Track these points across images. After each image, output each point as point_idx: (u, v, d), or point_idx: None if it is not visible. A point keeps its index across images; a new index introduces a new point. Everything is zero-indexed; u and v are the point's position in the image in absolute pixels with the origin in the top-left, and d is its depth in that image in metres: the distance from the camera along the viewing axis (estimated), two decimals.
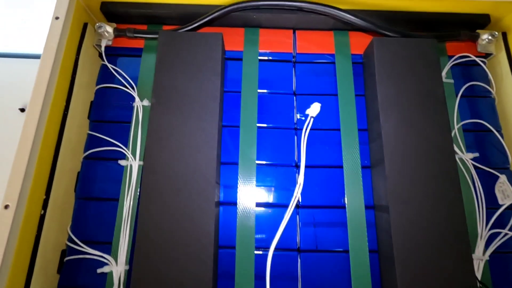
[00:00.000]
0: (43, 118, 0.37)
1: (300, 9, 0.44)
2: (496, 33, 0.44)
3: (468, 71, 0.46)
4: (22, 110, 0.67)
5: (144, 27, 0.47)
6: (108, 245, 0.38)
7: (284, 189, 0.40)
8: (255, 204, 0.39)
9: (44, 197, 0.37)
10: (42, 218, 0.37)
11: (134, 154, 0.41)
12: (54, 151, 0.39)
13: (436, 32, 0.46)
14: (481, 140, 0.43)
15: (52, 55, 0.39)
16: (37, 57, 0.73)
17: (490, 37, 0.44)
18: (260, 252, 0.38)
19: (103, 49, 0.44)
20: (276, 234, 0.38)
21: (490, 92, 0.45)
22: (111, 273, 0.36)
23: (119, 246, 0.37)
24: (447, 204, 0.36)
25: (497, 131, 0.43)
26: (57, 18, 0.39)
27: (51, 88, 0.38)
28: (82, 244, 0.37)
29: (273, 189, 0.40)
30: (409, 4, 0.44)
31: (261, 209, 0.40)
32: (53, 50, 0.39)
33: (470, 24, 0.46)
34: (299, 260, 0.38)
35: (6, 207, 0.32)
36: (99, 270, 0.36)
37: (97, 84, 0.45)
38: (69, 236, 0.38)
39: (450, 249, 0.34)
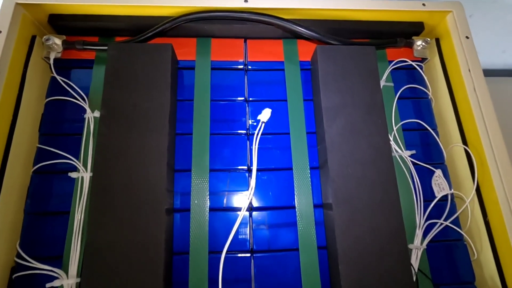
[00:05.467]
0: None
1: (247, 20, 0.46)
2: (429, 39, 0.48)
3: (407, 75, 0.50)
4: None
5: (95, 39, 0.47)
6: (59, 259, 0.37)
7: (237, 193, 0.42)
8: (208, 209, 0.40)
9: None
10: None
11: (85, 165, 0.41)
12: (0, 167, 0.39)
13: (375, 40, 0.49)
14: (419, 139, 0.46)
15: None
16: None
17: (423, 43, 0.48)
18: (214, 256, 0.39)
19: (51, 61, 0.44)
20: (229, 237, 0.39)
21: (427, 94, 0.49)
22: (61, 287, 0.36)
23: (70, 259, 0.37)
24: (385, 202, 0.38)
25: (433, 130, 0.46)
26: None
27: None
28: (31, 260, 0.37)
29: (226, 193, 0.42)
30: (349, 14, 0.47)
31: (215, 213, 0.41)
32: None
33: (407, 32, 0.50)
34: (252, 261, 0.39)
35: None
36: (48, 285, 0.35)
37: (47, 97, 0.44)
38: (18, 252, 0.37)
39: (388, 242, 0.37)
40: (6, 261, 0.38)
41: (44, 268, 0.36)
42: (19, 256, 0.37)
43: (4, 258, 0.37)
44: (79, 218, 0.38)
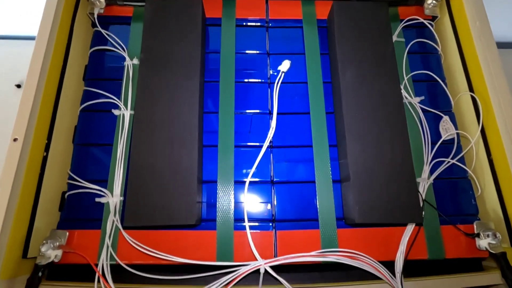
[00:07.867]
0: (43, 78, 0.41)
1: None
2: None
3: (418, 32, 0.53)
4: (18, 86, 0.72)
5: None
6: (104, 183, 0.43)
7: (260, 132, 0.46)
8: (233, 145, 0.45)
9: (46, 141, 0.42)
10: (44, 160, 0.41)
11: (126, 104, 0.46)
12: (53, 106, 0.44)
13: None
14: (428, 89, 0.50)
15: (50, 23, 0.44)
16: (22, 38, 0.77)
17: (434, 1, 0.51)
18: (239, 185, 0.43)
19: (95, 16, 0.50)
20: (252, 168, 0.44)
21: (436, 49, 0.52)
22: (107, 204, 0.41)
23: (114, 181, 0.42)
24: (395, 138, 0.42)
25: (442, 81, 0.50)
26: None
27: (49, 52, 0.43)
28: (82, 180, 0.42)
29: (249, 132, 0.46)
30: None
31: (239, 149, 0.45)
32: (51, 18, 0.44)
33: None
34: (272, 189, 0.44)
35: (15, 140, 0.37)
36: (97, 199, 0.41)
37: (91, 47, 0.50)
38: (70, 175, 0.43)
39: (398, 173, 0.40)
40: (58, 185, 0.44)
41: (93, 187, 0.42)
42: (71, 179, 0.43)
43: (56, 182, 0.43)
44: (121, 148, 0.44)
